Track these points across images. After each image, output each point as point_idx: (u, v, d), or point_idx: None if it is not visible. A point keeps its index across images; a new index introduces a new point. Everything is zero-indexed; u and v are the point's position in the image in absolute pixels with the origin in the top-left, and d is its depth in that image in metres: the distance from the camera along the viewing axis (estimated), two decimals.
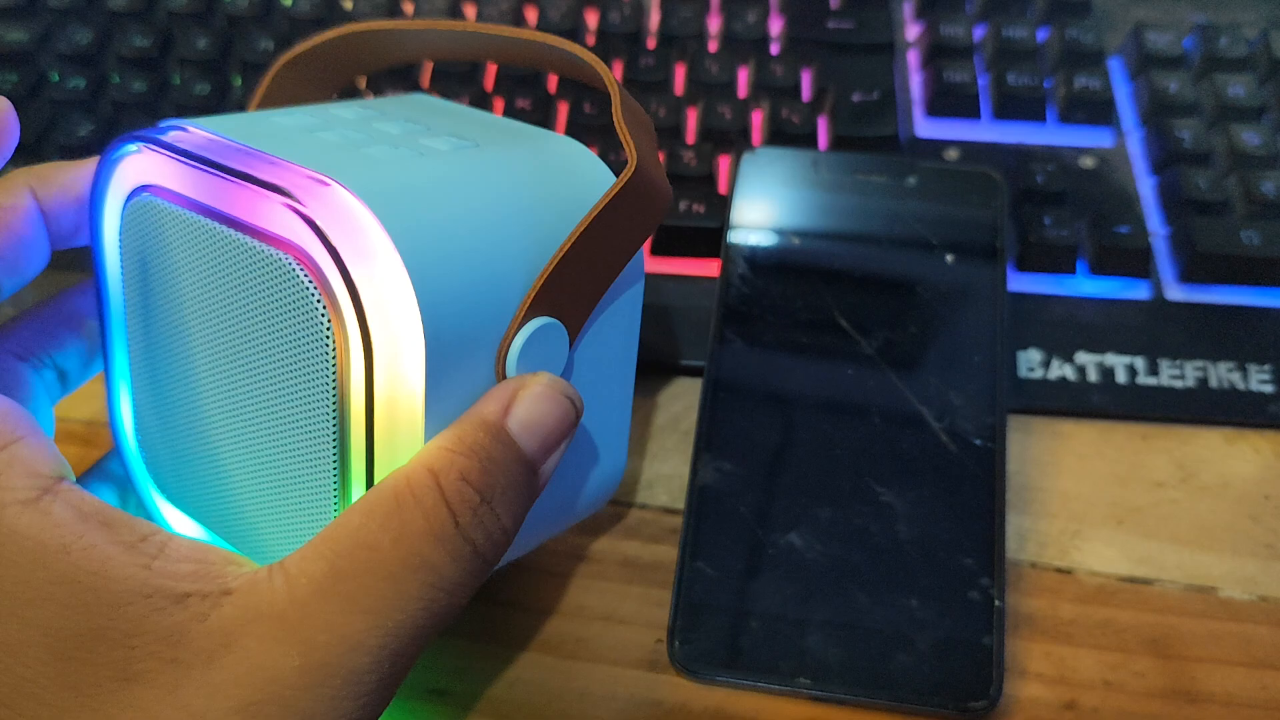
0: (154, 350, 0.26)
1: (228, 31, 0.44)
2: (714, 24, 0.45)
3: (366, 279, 0.22)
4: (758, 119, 0.42)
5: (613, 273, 0.26)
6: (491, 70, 0.43)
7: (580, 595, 0.32)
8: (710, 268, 0.38)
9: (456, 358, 0.23)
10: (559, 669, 0.31)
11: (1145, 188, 0.40)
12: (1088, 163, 0.41)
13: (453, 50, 0.34)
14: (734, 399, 0.34)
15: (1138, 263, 0.38)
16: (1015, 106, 0.42)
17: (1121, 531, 0.34)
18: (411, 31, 0.30)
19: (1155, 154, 0.41)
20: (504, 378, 0.24)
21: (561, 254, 0.24)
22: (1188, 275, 0.38)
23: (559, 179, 0.27)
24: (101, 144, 0.40)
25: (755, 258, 0.36)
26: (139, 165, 0.25)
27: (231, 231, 0.23)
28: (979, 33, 0.45)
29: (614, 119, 0.26)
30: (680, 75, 0.43)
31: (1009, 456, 0.33)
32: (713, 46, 0.44)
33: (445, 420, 0.24)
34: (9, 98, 0.41)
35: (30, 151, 0.40)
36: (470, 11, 0.45)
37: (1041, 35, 0.44)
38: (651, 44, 0.44)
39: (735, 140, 0.41)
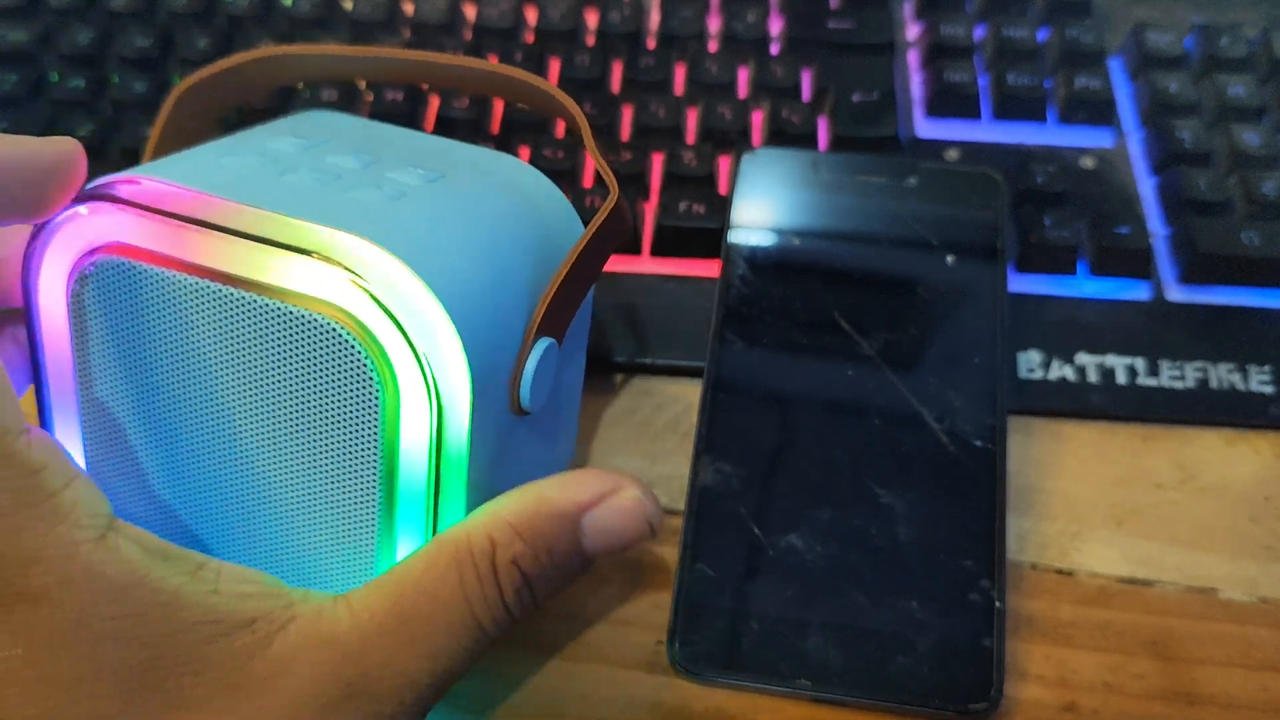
0: (123, 410, 0.26)
1: (228, 32, 0.44)
2: (714, 24, 0.45)
3: (417, 334, 0.23)
4: (758, 119, 0.42)
5: (589, 286, 0.28)
6: None
7: (580, 596, 0.32)
8: (710, 268, 0.38)
9: (487, 396, 0.25)
10: (559, 670, 0.31)
11: (1146, 188, 0.40)
12: (1088, 163, 0.41)
13: (388, 75, 0.34)
14: (734, 400, 0.34)
15: (1138, 263, 0.38)
16: (1015, 107, 0.42)
17: (1121, 533, 0.34)
18: (342, 57, 0.31)
19: (1156, 154, 0.41)
20: (518, 404, 0.26)
21: (559, 281, 0.26)
22: (1188, 276, 0.38)
23: (525, 200, 0.28)
24: (102, 144, 0.40)
25: (755, 258, 0.36)
26: (93, 225, 0.24)
27: (243, 293, 0.23)
28: (979, 33, 0.44)
29: (589, 151, 0.28)
30: (680, 75, 0.43)
31: (1009, 457, 0.33)
32: (713, 47, 0.44)
33: (482, 461, 0.25)
34: (9, 97, 0.42)
35: None
36: (470, 12, 0.45)
37: (1042, 35, 0.44)
38: (651, 44, 0.44)
39: (735, 140, 0.41)
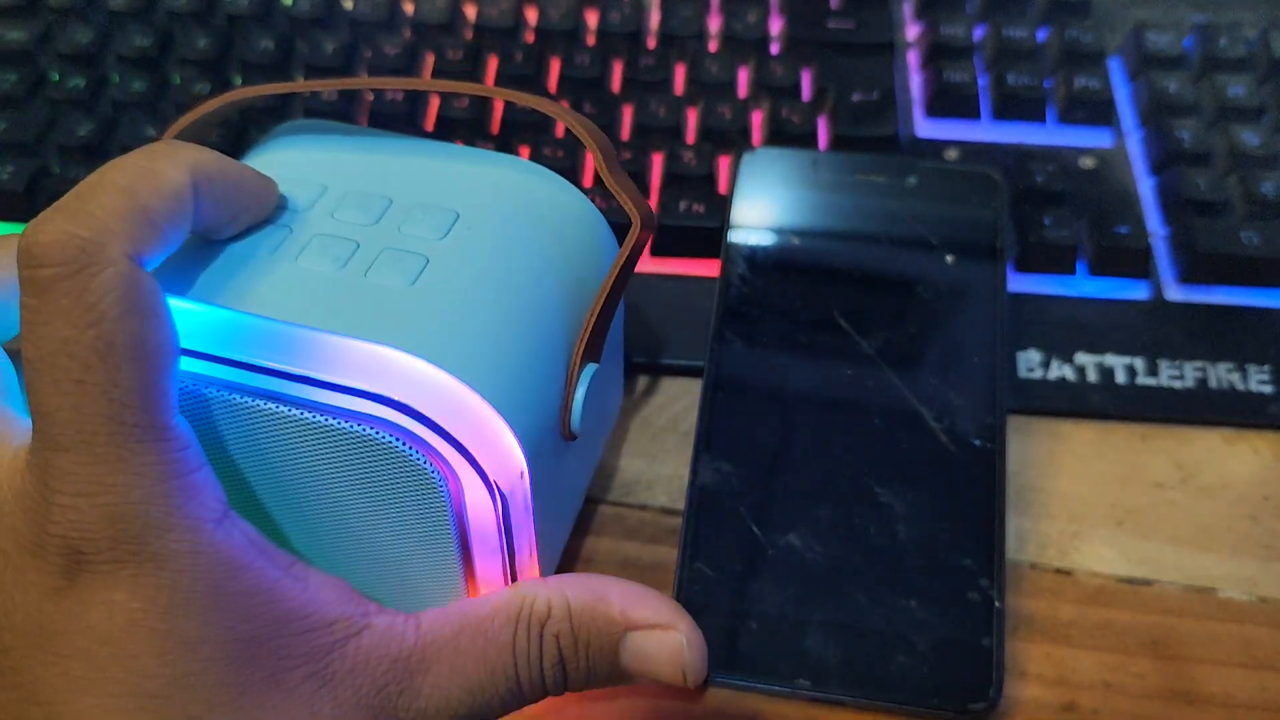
0: None
1: (228, 31, 0.44)
2: (714, 24, 0.45)
3: (465, 434, 0.24)
4: (758, 119, 0.42)
5: (619, 301, 0.29)
6: (491, 73, 0.43)
7: None
8: (710, 268, 0.38)
9: (541, 441, 0.26)
10: None
11: (1145, 188, 0.40)
12: (1087, 163, 0.41)
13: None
14: (733, 399, 0.34)
15: (1137, 263, 0.38)
16: (1015, 106, 0.42)
17: (1121, 532, 0.34)
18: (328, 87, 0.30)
19: (1155, 154, 0.41)
20: (568, 431, 0.27)
21: (595, 314, 0.27)
22: (1187, 276, 0.38)
23: (547, 218, 0.28)
24: (101, 144, 0.40)
25: (755, 258, 0.36)
26: None
27: (299, 412, 0.24)
28: (979, 33, 0.45)
29: (605, 180, 0.28)
30: (680, 75, 0.43)
31: (1009, 457, 0.33)
32: (713, 46, 0.44)
33: (543, 492, 0.26)
34: (8, 97, 0.42)
35: (29, 151, 0.40)
36: (470, 12, 0.45)
37: (1041, 35, 0.44)
38: (651, 44, 0.44)
39: (735, 140, 0.41)
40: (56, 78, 0.43)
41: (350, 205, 0.27)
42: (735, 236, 0.37)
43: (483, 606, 0.25)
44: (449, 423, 0.24)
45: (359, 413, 0.23)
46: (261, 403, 0.24)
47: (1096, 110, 0.42)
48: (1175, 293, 0.38)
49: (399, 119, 0.41)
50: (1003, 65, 0.43)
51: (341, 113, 0.42)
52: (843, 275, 0.36)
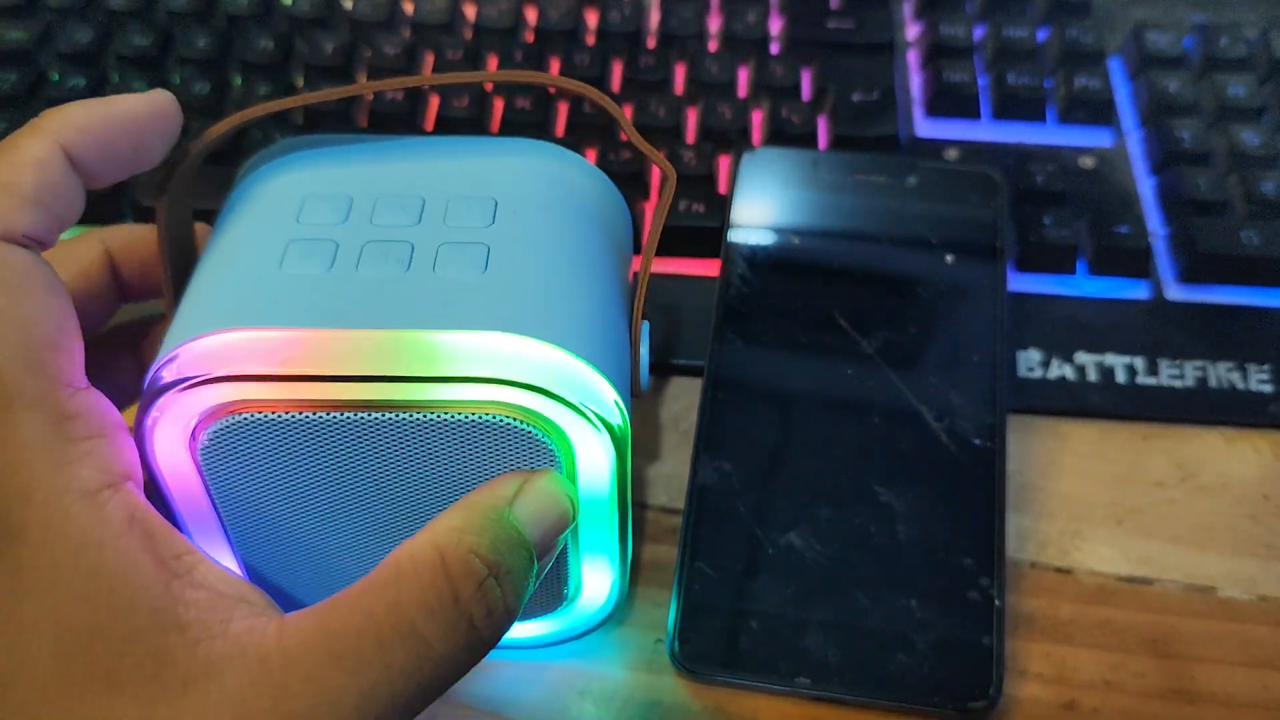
0: (281, 537, 0.27)
1: (227, 31, 0.44)
2: (714, 24, 0.45)
3: (582, 398, 0.24)
4: (758, 119, 0.42)
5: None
6: (491, 67, 0.43)
7: None
8: (710, 267, 0.38)
9: (625, 400, 0.26)
10: (557, 669, 0.31)
11: (1145, 188, 0.40)
12: (1087, 163, 0.41)
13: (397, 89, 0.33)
14: (734, 398, 0.34)
15: (1137, 263, 0.38)
16: (1015, 106, 0.42)
17: (1121, 531, 0.34)
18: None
19: (1155, 154, 0.41)
20: (638, 388, 0.28)
21: (648, 269, 0.27)
22: (1187, 275, 0.38)
23: (574, 193, 0.28)
24: None
25: (755, 257, 0.36)
26: (207, 394, 0.24)
27: (394, 415, 0.24)
28: (979, 33, 0.45)
29: (635, 140, 0.28)
30: (680, 75, 0.43)
31: (1009, 456, 0.33)
32: (713, 46, 0.44)
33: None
34: (8, 97, 0.42)
35: None
36: (470, 11, 0.45)
37: (1041, 35, 0.44)
38: (651, 44, 0.44)
39: (735, 140, 0.41)
40: (56, 77, 0.43)
41: (386, 209, 0.27)
42: (735, 236, 0.37)
43: (353, 588, 0.22)
44: (571, 394, 0.24)
45: (481, 400, 0.23)
46: (377, 415, 0.24)
47: (1097, 110, 0.42)
48: (1175, 292, 0.38)
49: (399, 118, 0.41)
50: (1003, 65, 0.43)
51: (342, 114, 0.42)
52: (843, 275, 0.36)
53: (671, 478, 0.35)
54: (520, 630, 0.31)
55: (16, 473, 0.21)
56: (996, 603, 0.30)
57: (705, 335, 0.35)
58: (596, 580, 0.29)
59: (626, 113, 0.42)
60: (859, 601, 0.30)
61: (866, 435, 0.33)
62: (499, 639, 0.23)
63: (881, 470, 0.32)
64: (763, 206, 0.37)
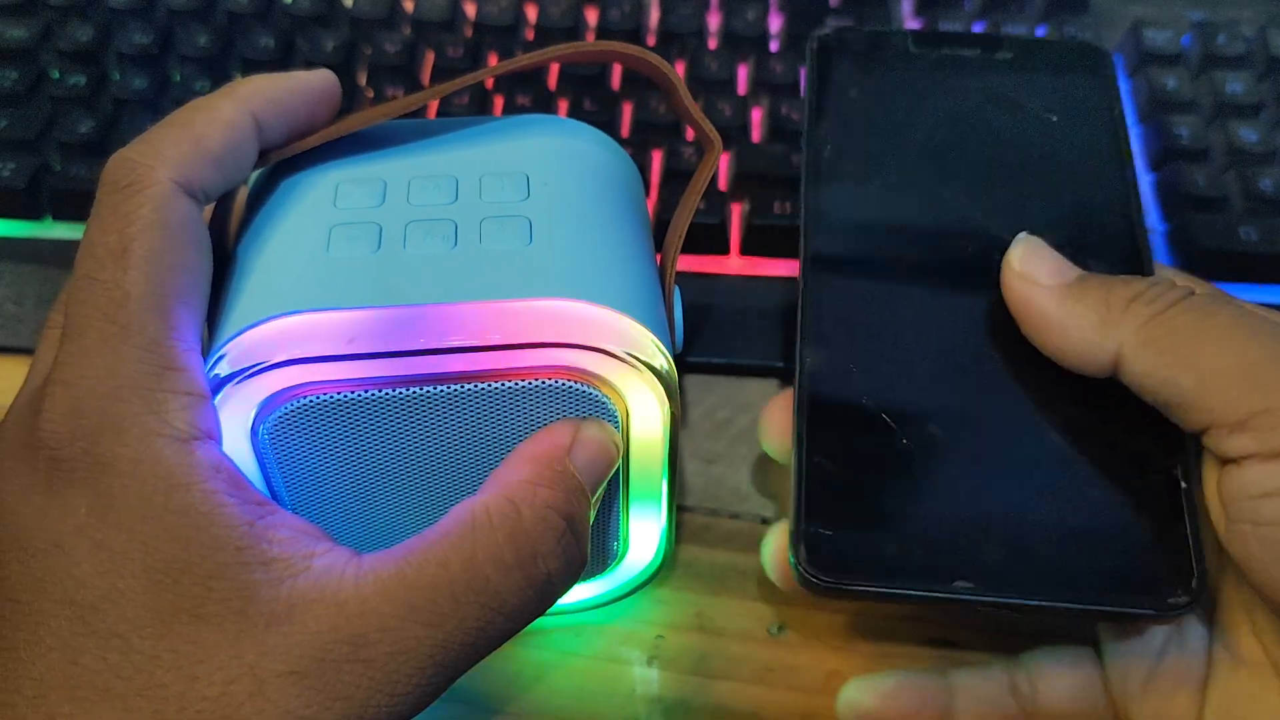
0: (346, 522, 0.27)
1: (228, 29, 0.44)
2: (714, 21, 0.45)
3: (643, 356, 0.25)
4: (757, 116, 0.42)
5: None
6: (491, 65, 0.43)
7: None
8: (717, 264, 0.38)
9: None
10: (558, 665, 0.31)
11: (1144, 184, 0.41)
12: None
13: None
14: (838, 280, 0.29)
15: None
16: None
17: None
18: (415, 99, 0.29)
19: (1153, 150, 0.41)
20: (675, 349, 0.28)
21: (682, 234, 0.28)
22: (1186, 271, 0.38)
23: (599, 165, 0.29)
24: (102, 141, 0.41)
25: (848, 135, 0.32)
26: (269, 380, 0.24)
27: (465, 386, 0.24)
28: (978, 30, 0.45)
29: (689, 106, 0.28)
30: (680, 73, 0.43)
31: None
32: (712, 44, 0.44)
33: None
34: (9, 95, 0.42)
35: (31, 149, 0.40)
36: (470, 10, 0.45)
37: (1040, 32, 0.44)
38: (651, 41, 0.44)
39: (735, 137, 0.41)
40: (57, 75, 0.43)
41: (421, 190, 0.27)
42: (822, 117, 0.32)
43: (427, 536, 0.23)
44: (628, 353, 0.25)
45: (544, 365, 0.24)
46: (443, 388, 0.24)
47: None
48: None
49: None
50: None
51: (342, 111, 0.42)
52: (948, 151, 0.31)
53: (723, 480, 0.35)
54: (568, 594, 0.31)
55: (115, 405, 0.22)
56: (1183, 484, 0.26)
57: (722, 333, 0.35)
58: (644, 539, 0.30)
59: (627, 110, 0.42)
60: (1021, 493, 0.26)
61: (1001, 318, 0.27)
62: (568, 588, 0.24)
63: (1024, 351, 0.27)
64: (846, 91, 0.33)
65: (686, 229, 0.29)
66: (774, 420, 0.29)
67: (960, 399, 0.27)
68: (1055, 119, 0.31)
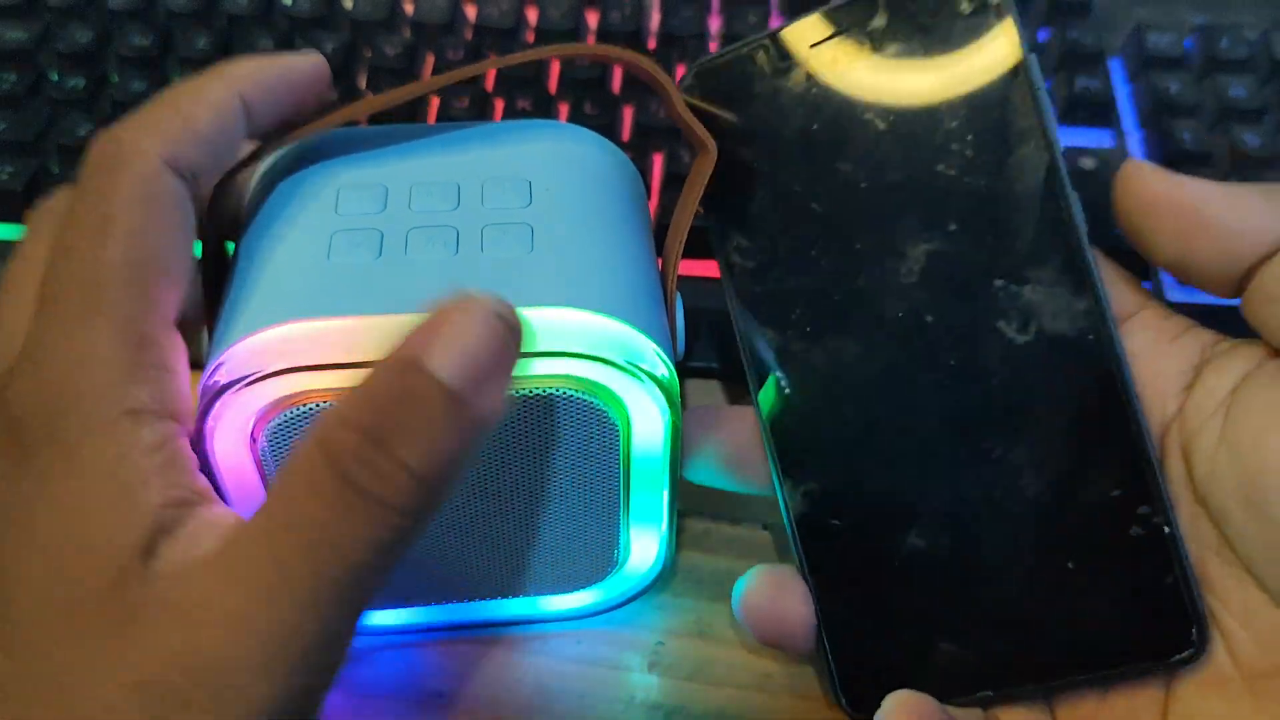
0: None
1: (227, 31, 0.44)
2: (714, 24, 0.45)
3: (642, 362, 0.25)
4: None
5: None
6: (490, 73, 0.43)
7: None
8: (706, 268, 0.38)
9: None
10: (558, 672, 0.31)
11: None
12: (1088, 163, 0.41)
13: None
14: (792, 408, 0.28)
15: (1138, 263, 0.38)
16: None
17: None
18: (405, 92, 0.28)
19: (1156, 155, 0.41)
20: (675, 354, 0.27)
21: (682, 240, 0.28)
22: None
23: (598, 171, 0.29)
24: None
25: (747, 208, 0.28)
26: (263, 391, 0.24)
27: None
28: None
29: (680, 110, 0.28)
30: (680, 75, 0.43)
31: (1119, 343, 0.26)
32: (713, 46, 0.44)
33: None
34: (7, 97, 0.41)
35: (29, 151, 0.40)
36: (470, 11, 0.45)
37: (1042, 36, 0.44)
38: (652, 44, 0.44)
39: None
40: (56, 77, 0.43)
41: (423, 196, 0.27)
42: (721, 210, 0.29)
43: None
44: (630, 363, 0.25)
45: (544, 374, 0.24)
46: None
47: (1097, 111, 0.42)
48: (1177, 293, 0.38)
49: (400, 117, 0.41)
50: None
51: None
52: (850, 195, 0.27)
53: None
54: (566, 600, 0.31)
55: (81, 380, 0.22)
56: (1166, 529, 0.25)
57: (717, 336, 0.34)
58: (644, 546, 0.30)
59: (627, 114, 0.42)
60: (1013, 584, 0.26)
61: (946, 389, 0.27)
62: (424, 502, 0.21)
63: (981, 423, 0.26)
64: (732, 137, 0.28)
65: (686, 235, 0.28)
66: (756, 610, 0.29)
67: (933, 506, 0.27)
68: (957, 86, 0.27)
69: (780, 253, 0.28)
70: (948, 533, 0.27)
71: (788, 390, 0.28)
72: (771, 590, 0.29)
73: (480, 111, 0.41)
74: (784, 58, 0.28)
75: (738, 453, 0.30)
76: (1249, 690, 0.25)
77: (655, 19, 0.45)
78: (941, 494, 0.27)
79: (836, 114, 0.27)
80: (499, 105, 0.42)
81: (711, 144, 0.28)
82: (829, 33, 0.27)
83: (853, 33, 0.27)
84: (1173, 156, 0.40)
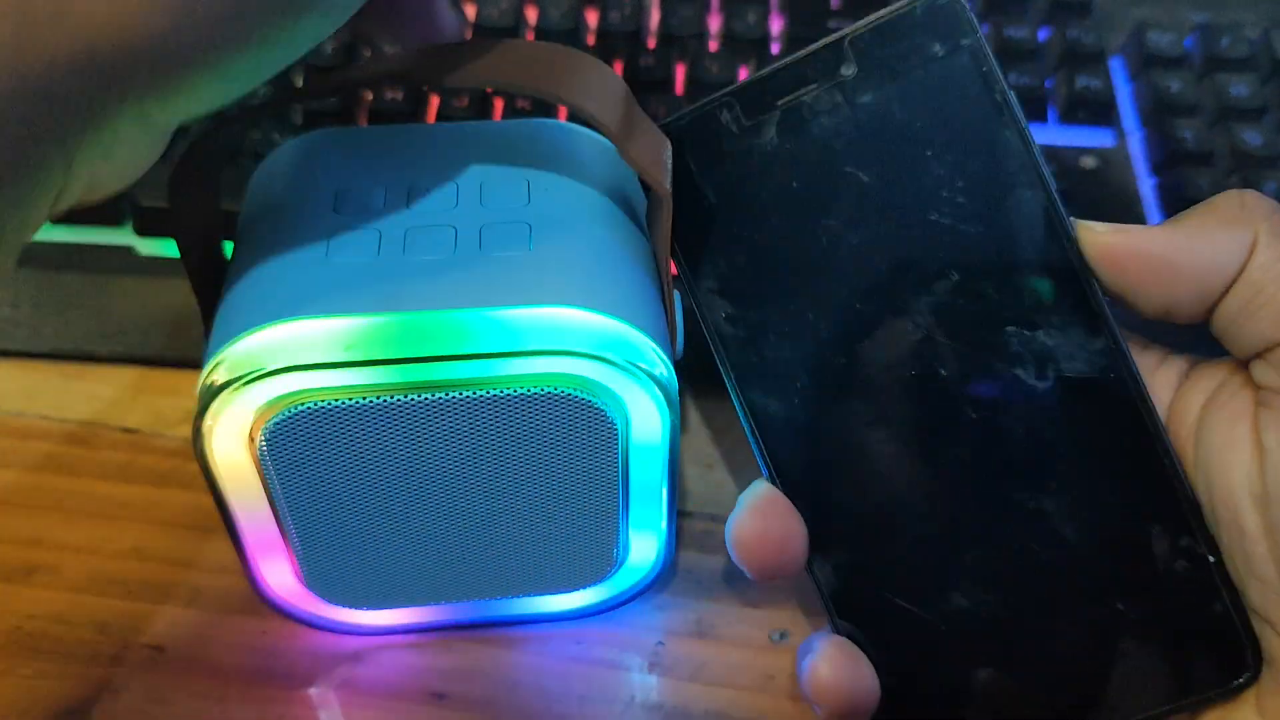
0: (345, 529, 0.27)
1: None
2: (714, 23, 0.45)
3: (641, 363, 0.25)
4: None
5: None
6: None
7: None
8: None
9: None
10: (557, 672, 0.31)
11: (1146, 188, 0.40)
12: (1089, 163, 0.41)
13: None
14: (809, 480, 0.27)
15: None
16: None
17: None
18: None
19: (1156, 154, 0.41)
20: (675, 353, 0.27)
21: (667, 264, 0.27)
22: None
23: (597, 169, 0.29)
24: None
25: (732, 277, 0.27)
26: (262, 390, 0.24)
27: (460, 394, 0.24)
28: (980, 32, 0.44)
29: (629, 159, 0.25)
30: (680, 75, 0.43)
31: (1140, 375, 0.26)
32: (713, 46, 0.44)
33: None
34: None
35: None
36: (470, 11, 0.45)
37: (1042, 35, 0.44)
38: (652, 43, 0.44)
39: None
40: None
41: (422, 196, 0.27)
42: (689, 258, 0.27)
43: None
44: (629, 361, 0.24)
45: (542, 374, 0.24)
46: (441, 395, 0.24)
47: (1098, 110, 0.42)
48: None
49: (400, 118, 0.41)
50: (1004, 65, 0.42)
51: (343, 114, 0.42)
52: (842, 260, 0.26)
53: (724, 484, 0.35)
54: (566, 600, 0.31)
55: None
56: (1210, 558, 0.25)
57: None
58: (644, 545, 0.30)
59: None
60: (1060, 634, 0.26)
61: (972, 443, 0.26)
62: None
63: (1008, 472, 0.26)
64: (699, 207, 0.27)
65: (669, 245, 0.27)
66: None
67: (972, 566, 0.27)
68: (933, 138, 0.26)
69: (773, 320, 0.27)
70: (989, 588, 0.26)
71: (804, 462, 0.27)
72: (761, 514, 0.27)
73: (480, 111, 0.41)
74: (752, 113, 0.26)
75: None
76: (1258, 710, 0.26)
77: (655, 18, 0.45)
78: (983, 551, 0.26)
79: (815, 170, 0.26)
80: (498, 104, 0.42)
81: (664, 193, 0.25)
82: (798, 84, 0.26)
83: (822, 83, 0.26)
84: (1174, 155, 0.40)
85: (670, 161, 0.26)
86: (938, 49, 0.25)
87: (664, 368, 0.25)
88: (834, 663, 0.27)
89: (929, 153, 0.26)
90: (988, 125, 0.25)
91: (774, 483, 0.27)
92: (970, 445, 0.26)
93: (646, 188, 0.26)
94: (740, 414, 0.27)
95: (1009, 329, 0.26)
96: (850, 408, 0.27)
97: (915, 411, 0.26)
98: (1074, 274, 0.25)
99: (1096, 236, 0.25)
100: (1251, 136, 0.40)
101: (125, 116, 0.20)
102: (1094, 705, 0.26)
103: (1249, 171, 0.39)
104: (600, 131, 0.25)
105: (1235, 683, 0.25)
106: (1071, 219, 0.26)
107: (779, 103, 0.26)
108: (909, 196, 0.26)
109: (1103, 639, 0.26)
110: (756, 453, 0.27)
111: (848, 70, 0.26)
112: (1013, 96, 0.25)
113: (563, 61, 0.25)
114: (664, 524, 0.29)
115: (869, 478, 0.27)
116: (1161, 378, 0.27)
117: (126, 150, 0.21)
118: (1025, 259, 0.26)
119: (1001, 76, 0.25)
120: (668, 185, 0.25)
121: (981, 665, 0.27)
